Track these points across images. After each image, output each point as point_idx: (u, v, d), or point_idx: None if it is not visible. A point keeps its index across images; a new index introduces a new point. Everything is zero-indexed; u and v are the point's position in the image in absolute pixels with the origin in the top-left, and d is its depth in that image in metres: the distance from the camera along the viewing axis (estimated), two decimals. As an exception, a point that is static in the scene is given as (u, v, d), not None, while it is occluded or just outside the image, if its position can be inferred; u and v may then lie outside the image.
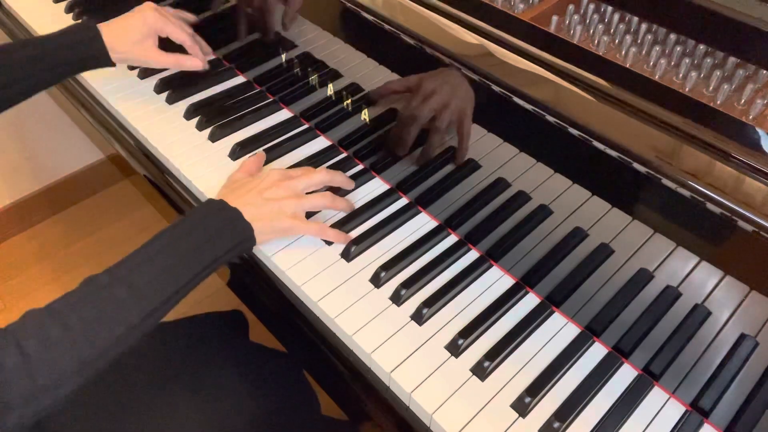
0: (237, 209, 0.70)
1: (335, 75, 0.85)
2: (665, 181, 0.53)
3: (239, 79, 1.02)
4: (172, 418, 0.76)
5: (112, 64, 0.88)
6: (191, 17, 0.99)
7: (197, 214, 0.69)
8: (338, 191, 0.81)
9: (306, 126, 0.92)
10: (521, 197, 0.70)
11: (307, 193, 0.77)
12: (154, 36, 0.90)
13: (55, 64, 0.83)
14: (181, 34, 0.91)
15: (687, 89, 0.60)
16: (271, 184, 0.74)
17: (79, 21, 0.86)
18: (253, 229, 0.70)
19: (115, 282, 0.61)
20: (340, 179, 0.81)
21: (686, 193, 0.53)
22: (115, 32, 0.87)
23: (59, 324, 0.57)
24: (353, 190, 0.83)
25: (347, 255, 0.75)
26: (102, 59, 0.86)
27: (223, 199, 0.71)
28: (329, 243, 0.76)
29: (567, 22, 0.69)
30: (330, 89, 0.87)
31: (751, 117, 0.56)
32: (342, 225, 0.77)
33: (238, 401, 0.79)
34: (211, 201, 0.71)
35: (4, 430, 0.54)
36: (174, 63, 0.91)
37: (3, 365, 0.53)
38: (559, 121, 0.59)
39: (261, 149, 0.88)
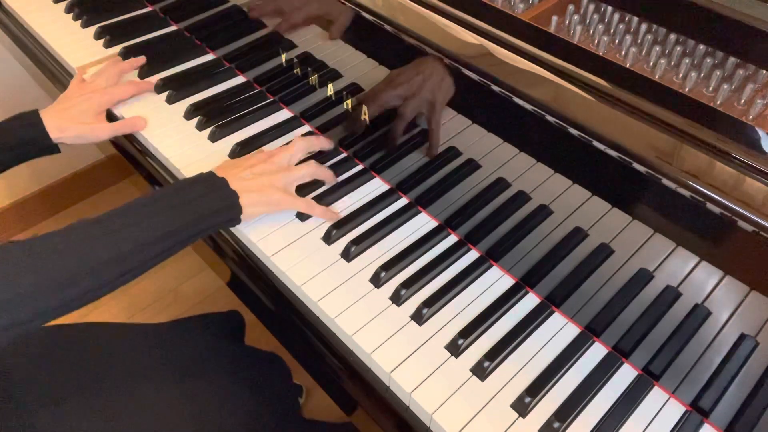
0: (224, 178, 0.72)
1: (335, 75, 0.85)
2: (665, 181, 0.53)
3: (239, 79, 1.02)
4: (166, 420, 0.76)
5: (57, 150, 0.88)
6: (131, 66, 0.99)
7: (185, 180, 0.72)
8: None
9: (306, 126, 0.92)
10: (521, 197, 0.70)
11: None
12: (102, 112, 0.91)
13: None
14: (125, 92, 0.93)
15: (687, 89, 0.60)
16: (259, 161, 0.76)
17: (23, 112, 0.87)
18: (238, 197, 0.71)
19: (92, 223, 0.63)
20: (318, 142, 0.85)
21: (686, 193, 0.52)
22: (60, 115, 0.86)
23: (26, 249, 0.59)
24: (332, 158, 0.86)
25: (347, 255, 0.75)
26: (45, 145, 0.86)
27: (212, 171, 0.73)
28: (329, 243, 0.76)
29: (567, 22, 0.69)
30: (330, 89, 0.87)
31: (751, 117, 0.56)
32: (342, 225, 0.77)
33: (231, 404, 0.80)
34: (200, 173, 0.73)
35: None
36: (120, 130, 0.91)
37: None
38: (559, 121, 0.59)
39: (260, 148, 0.88)
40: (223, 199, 0.70)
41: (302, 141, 0.82)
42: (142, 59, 1.00)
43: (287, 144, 0.82)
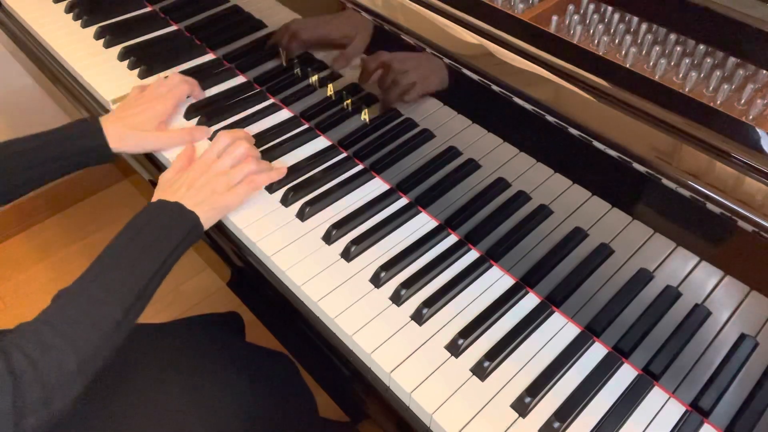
0: (177, 202, 0.73)
1: (335, 75, 0.85)
2: (665, 181, 0.53)
3: (239, 79, 1.02)
4: (170, 419, 0.76)
5: (113, 160, 0.86)
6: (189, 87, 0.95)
7: (143, 217, 0.71)
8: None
9: (306, 126, 0.92)
10: (521, 197, 0.70)
11: None
12: (165, 121, 0.89)
13: (52, 158, 0.81)
14: (182, 93, 0.91)
15: (687, 89, 0.60)
16: (199, 174, 0.77)
17: (82, 119, 0.85)
18: (197, 216, 0.73)
19: (85, 288, 0.64)
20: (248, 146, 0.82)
21: (686, 193, 0.52)
22: (121, 123, 0.85)
23: (51, 329, 0.59)
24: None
25: (347, 255, 0.75)
26: (104, 155, 0.84)
27: (161, 198, 0.73)
28: (329, 242, 0.76)
29: (567, 22, 0.69)
30: (330, 89, 0.87)
31: (751, 117, 0.56)
32: (342, 225, 0.77)
33: (236, 401, 0.79)
34: (150, 204, 0.73)
35: None
36: (183, 139, 0.88)
37: (14, 373, 0.55)
38: (559, 121, 0.59)
39: (261, 149, 0.88)
40: (186, 223, 0.72)
41: (243, 144, 0.80)
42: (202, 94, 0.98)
43: (223, 143, 0.81)
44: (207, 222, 0.74)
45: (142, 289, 0.66)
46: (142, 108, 0.87)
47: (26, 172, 0.79)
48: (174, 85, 0.91)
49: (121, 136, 0.84)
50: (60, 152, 0.81)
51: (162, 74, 1.01)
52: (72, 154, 0.82)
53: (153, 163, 0.91)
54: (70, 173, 0.84)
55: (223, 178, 0.77)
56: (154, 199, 0.75)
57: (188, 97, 0.95)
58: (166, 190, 0.77)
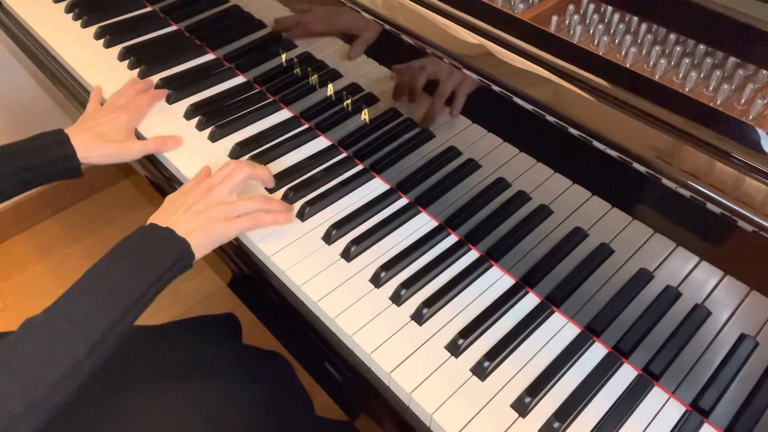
0: (169, 228, 0.69)
1: (335, 75, 0.85)
2: (665, 181, 0.53)
3: (239, 79, 1.02)
4: (167, 420, 0.76)
5: (80, 174, 0.84)
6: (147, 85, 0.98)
7: (130, 241, 0.68)
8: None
9: (306, 126, 0.93)
10: (521, 197, 0.70)
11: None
12: (132, 131, 0.90)
13: (20, 169, 0.79)
14: (145, 104, 0.92)
15: (687, 89, 0.60)
16: (198, 198, 0.74)
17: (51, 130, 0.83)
18: (188, 244, 0.69)
19: (51, 318, 0.60)
20: (263, 174, 0.80)
21: (686, 193, 0.52)
22: (87, 134, 0.84)
23: (2, 367, 0.56)
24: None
25: (347, 255, 0.75)
26: (70, 166, 0.82)
27: (154, 222, 0.71)
28: (329, 242, 0.76)
29: (567, 22, 0.69)
30: (330, 89, 0.87)
31: (751, 117, 0.56)
32: (342, 225, 0.77)
33: (232, 402, 0.79)
34: (142, 227, 0.70)
35: None
36: (152, 148, 0.89)
37: None
38: (559, 121, 0.59)
39: (260, 149, 0.88)
40: (176, 250, 0.68)
41: (244, 170, 0.77)
42: (164, 91, 0.98)
43: (228, 169, 0.77)
44: (199, 250, 0.70)
45: (116, 321, 0.62)
46: (107, 118, 0.87)
47: None
48: (131, 96, 0.92)
49: (88, 146, 0.83)
50: (28, 163, 0.79)
51: (161, 75, 1.01)
52: (38, 165, 0.80)
53: (153, 164, 0.91)
54: (35, 187, 0.82)
55: (223, 207, 0.73)
56: (151, 219, 0.72)
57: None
58: (165, 211, 0.74)
